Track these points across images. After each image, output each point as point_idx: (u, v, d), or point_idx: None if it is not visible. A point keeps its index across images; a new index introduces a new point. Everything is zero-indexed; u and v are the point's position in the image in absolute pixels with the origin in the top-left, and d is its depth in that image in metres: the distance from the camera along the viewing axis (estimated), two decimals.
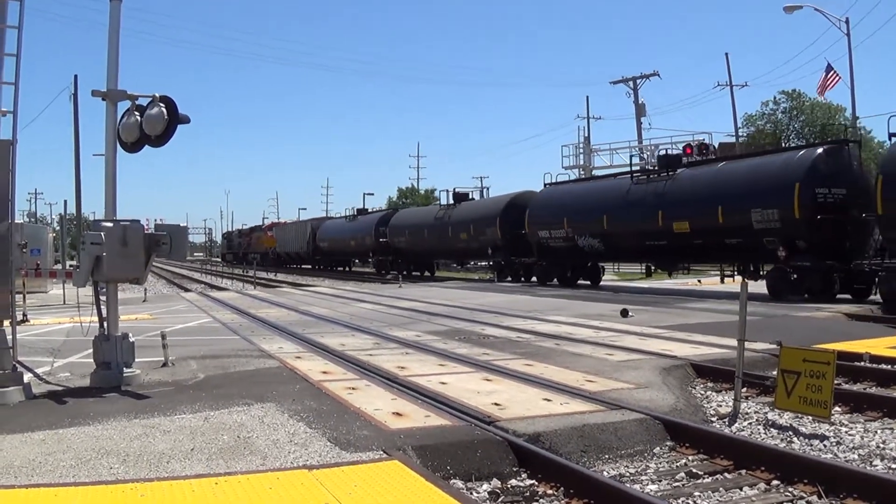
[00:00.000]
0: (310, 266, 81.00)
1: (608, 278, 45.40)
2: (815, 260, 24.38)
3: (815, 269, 24.40)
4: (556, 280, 37.22)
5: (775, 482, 6.70)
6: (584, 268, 37.32)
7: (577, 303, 25.04)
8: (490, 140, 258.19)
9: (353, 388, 10.06)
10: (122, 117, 11.18)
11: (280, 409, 8.81)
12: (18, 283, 13.25)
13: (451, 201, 50.08)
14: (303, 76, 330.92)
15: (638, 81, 61.30)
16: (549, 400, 9.20)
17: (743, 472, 7.06)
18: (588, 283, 37.38)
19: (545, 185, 40.46)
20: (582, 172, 50.39)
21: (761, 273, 28.00)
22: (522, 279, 40.96)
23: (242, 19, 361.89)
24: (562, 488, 6.57)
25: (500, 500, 6.52)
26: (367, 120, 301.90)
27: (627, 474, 7.24)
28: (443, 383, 10.31)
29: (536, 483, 6.85)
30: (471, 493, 6.57)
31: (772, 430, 8.57)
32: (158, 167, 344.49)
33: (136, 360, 10.93)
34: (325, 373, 11.34)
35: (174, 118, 10.88)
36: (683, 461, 7.54)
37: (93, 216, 63.84)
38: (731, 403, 9.43)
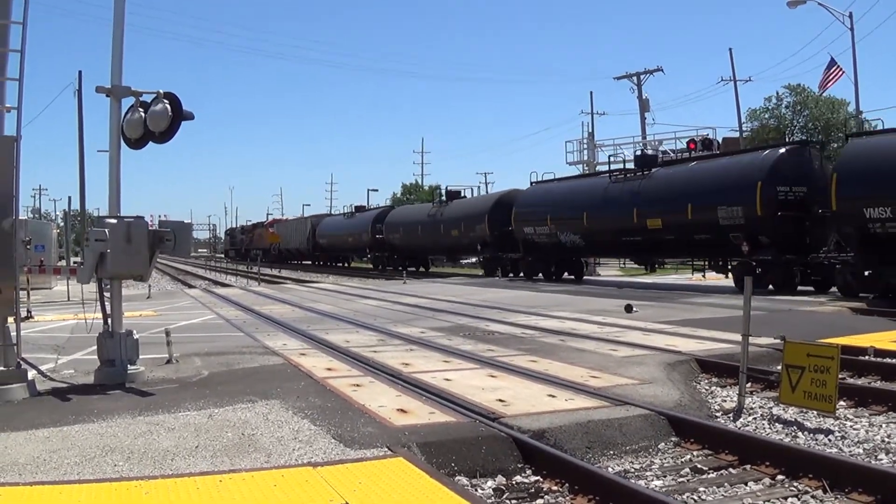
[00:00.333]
0: (310, 262, 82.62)
1: (611, 273, 45.49)
2: (776, 254, 25.79)
3: (776, 262, 25.86)
4: (540, 275, 38.51)
5: (780, 477, 6.70)
6: (569, 263, 38.77)
7: (581, 298, 25.04)
8: (494, 136, 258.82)
9: (358, 385, 10.06)
10: (127, 114, 11.17)
11: (284, 406, 8.81)
12: (22, 280, 13.24)
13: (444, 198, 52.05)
14: (306, 72, 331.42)
15: (642, 77, 61.16)
16: (553, 396, 9.19)
17: (748, 467, 7.06)
18: (572, 277, 38.74)
19: (531, 183, 41.76)
20: (586, 168, 50.31)
21: (728, 267, 29.22)
22: (511, 274, 42.08)
23: (246, 16, 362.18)
24: (567, 484, 6.57)
25: (504, 496, 6.52)
26: (370, 116, 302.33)
27: (632, 470, 7.24)
28: (447, 380, 10.31)
29: (541, 479, 6.85)
30: (476, 490, 6.57)
31: (776, 424, 8.56)
32: (162, 163, 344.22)
33: (141, 356, 10.93)
34: (329, 369, 11.34)
35: (178, 114, 10.87)
36: (688, 457, 7.53)
37: (97, 212, 63.85)
38: (735, 398, 9.43)
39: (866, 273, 22.89)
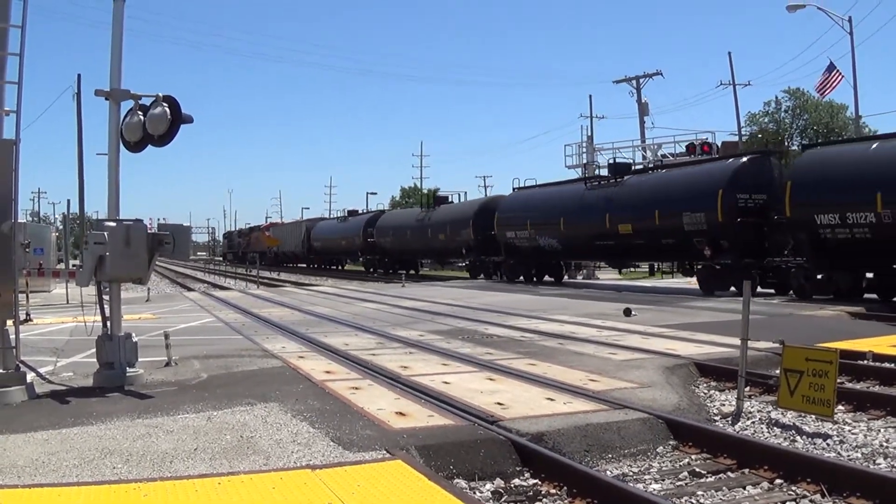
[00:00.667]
0: (305, 265, 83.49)
1: (609, 277, 45.54)
2: (736, 258, 27.15)
3: (735, 266, 26.98)
4: (521, 277, 40.11)
5: (778, 481, 6.70)
6: (549, 266, 40.55)
7: (580, 302, 25.06)
8: (493, 139, 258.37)
9: (357, 388, 10.07)
10: (126, 117, 11.18)
11: (283, 408, 8.82)
12: (21, 283, 13.24)
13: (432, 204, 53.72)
14: (306, 75, 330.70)
15: (641, 81, 61.09)
16: (552, 399, 9.20)
17: (746, 471, 7.06)
18: (552, 280, 40.52)
19: (513, 189, 43.77)
20: (585, 171, 50.24)
21: (694, 270, 30.87)
22: (494, 277, 43.38)
23: (245, 19, 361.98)
24: (565, 488, 6.57)
25: (503, 499, 6.52)
26: (370, 119, 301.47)
27: (631, 474, 7.24)
28: (446, 383, 10.31)
29: (539, 483, 6.85)
30: (474, 493, 6.57)
31: (775, 429, 8.56)
32: (162, 167, 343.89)
33: (140, 359, 10.94)
34: (328, 372, 11.35)
35: (177, 118, 10.88)
36: (686, 460, 7.54)
37: (96, 216, 63.94)
38: (734, 402, 9.43)
39: (819, 276, 24.44)
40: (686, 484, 6.84)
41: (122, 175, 11.08)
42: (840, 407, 9.13)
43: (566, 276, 44.75)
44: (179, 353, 12.65)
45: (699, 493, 6.51)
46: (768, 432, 8.49)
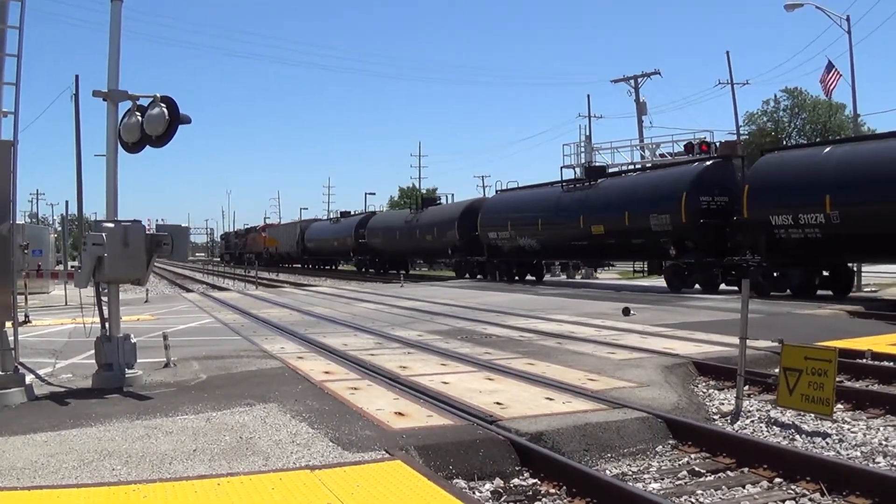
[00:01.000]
0: (299, 265, 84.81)
1: (608, 276, 45.60)
2: (698, 257, 28.89)
3: (698, 264, 29.04)
4: (504, 277, 41.91)
5: (778, 480, 6.71)
6: (530, 265, 42.45)
7: (578, 301, 25.08)
8: (492, 139, 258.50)
9: (356, 389, 10.06)
10: (124, 118, 11.18)
11: (282, 409, 8.81)
12: (20, 284, 13.23)
13: (420, 205, 56.45)
14: (304, 76, 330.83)
15: (639, 80, 61.11)
16: (551, 399, 9.20)
17: (745, 470, 7.07)
18: (533, 279, 42.41)
19: (497, 191, 46.54)
20: (582, 171, 50.20)
21: (662, 268, 32.13)
22: (479, 276, 44.64)
23: (243, 19, 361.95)
24: (564, 487, 6.58)
25: (502, 499, 6.52)
26: (369, 119, 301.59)
27: (630, 473, 7.24)
28: (445, 383, 10.31)
29: (539, 482, 6.85)
30: (473, 493, 6.57)
31: (774, 427, 8.56)
32: (160, 167, 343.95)
33: (138, 360, 10.93)
34: (327, 373, 11.35)
35: (175, 118, 10.87)
36: (686, 459, 7.54)
37: (94, 217, 63.86)
38: (733, 401, 9.43)
39: (775, 274, 25.80)
40: (685, 483, 6.84)
41: (120, 176, 11.09)
42: (839, 406, 9.14)
43: (564, 276, 46.01)
44: (178, 355, 12.64)
45: (698, 492, 6.51)
46: (767, 431, 8.49)
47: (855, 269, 26.62)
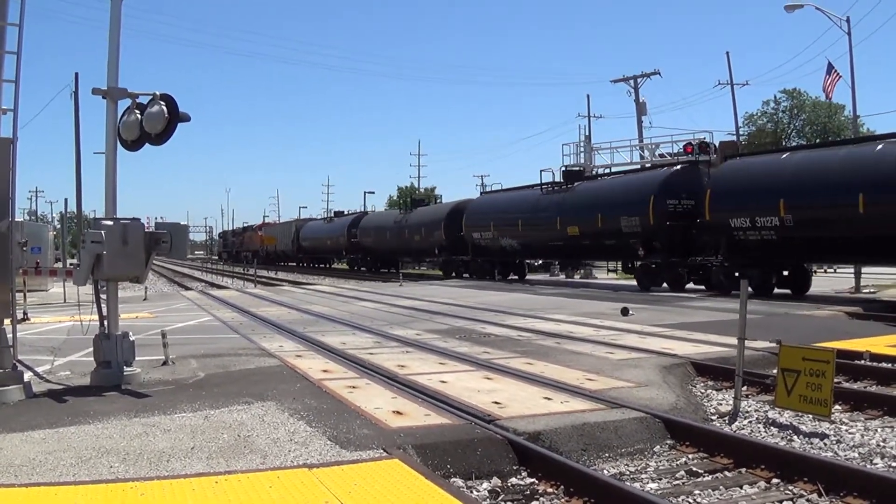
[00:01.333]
0: (294, 264, 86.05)
1: (607, 276, 45.66)
2: (665, 257, 30.57)
3: (665, 264, 30.70)
4: (487, 275, 43.66)
5: (775, 480, 6.71)
6: (512, 264, 44.76)
7: (577, 301, 25.08)
8: (491, 138, 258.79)
9: (354, 387, 10.07)
10: (123, 115, 11.17)
11: (280, 407, 8.82)
12: (19, 282, 13.24)
13: (410, 206, 58.55)
14: (304, 75, 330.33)
15: (639, 80, 61.10)
16: (549, 398, 9.20)
17: (743, 470, 7.07)
18: (516, 277, 44.50)
19: (481, 193, 48.96)
20: (583, 171, 50.17)
21: (632, 268, 34.32)
22: (465, 274, 46.13)
23: (243, 18, 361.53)
24: (562, 487, 6.58)
25: (500, 498, 6.52)
26: (368, 118, 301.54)
27: (627, 473, 7.25)
28: (443, 382, 10.32)
29: (536, 481, 6.85)
30: (471, 492, 6.57)
31: (772, 428, 8.57)
32: (159, 166, 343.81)
33: (137, 358, 10.93)
34: (325, 371, 11.35)
35: (174, 116, 10.86)
36: (683, 459, 7.55)
37: (93, 214, 63.88)
38: (731, 402, 9.43)
39: (736, 274, 26.52)
40: (683, 483, 6.84)
41: (119, 174, 11.10)
42: (837, 406, 9.14)
43: (563, 276, 46.07)
44: (177, 352, 12.64)
45: (696, 492, 6.52)
46: (765, 432, 8.50)
47: (822, 270, 27.80)
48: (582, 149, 53.41)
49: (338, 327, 17.97)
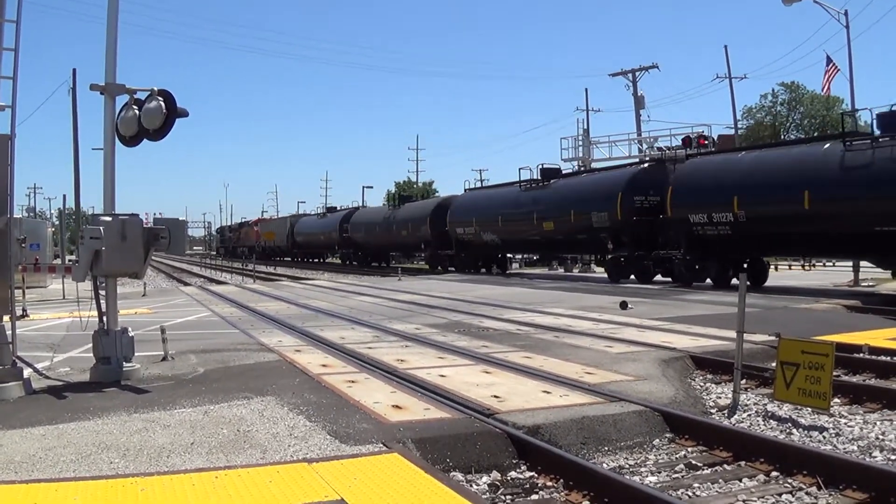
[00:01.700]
0: (289, 259, 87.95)
1: (601, 270, 45.90)
2: (631, 251, 32.33)
3: (631, 258, 32.53)
4: (470, 269, 45.39)
5: (774, 473, 6.71)
6: (494, 258, 46.83)
7: (576, 295, 25.08)
8: (490, 132, 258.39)
9: (353, 382, 10.07)
10: (121, 111, 11.15)
11: (280, 402, 8.82)
12: (18, 279, 13.23)
13: (397, 202, 61.12)
14: (302, 70, 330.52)
15: (637, 74, 61.05)
16: (548, 392, 9.21)
17: (742, 463, 7.08)
18: (499, 271, 46.18)
19: (465, 190, 51.22)
20: (581, 165, 50.16)
21: (603, 261, 36.22)
22: (450, 268, 47.70)
23: (241, 12, 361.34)
24: (561, 480, 6.59)
25: (499, 492, 6.53)
26: (367, 113, 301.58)
27: (627, 466, 7.25)
28: (442, 376, 10.32)
29: (536, 475, 6.86)
30: (470, 486, 6.58)
31: (771, 421, 8.59)
32: (157, 161, 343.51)
33: (136, 354, 10.92)
34: (324, 366, 11.36)
35: (172, 112, 10.84)
36: (683, 453, 7.55)
37: (92, 210, 63.86)
38: (730, 395, 9.44)
39: (696, 267, 28.68)
40: (682, 476, 6.85)
41: (117, 170, 11.08)
42: (836, 400, 9.15)
43: (562, 270, 47.10)
44: (176, 348, 12.64)
45: (695, 485, 6.53)
46: (764, 425, 8.51)
47: (821, 263, 28.97)
48: (580, 143, 53.35)
49: (337, 322, 17.98)
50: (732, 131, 56.09)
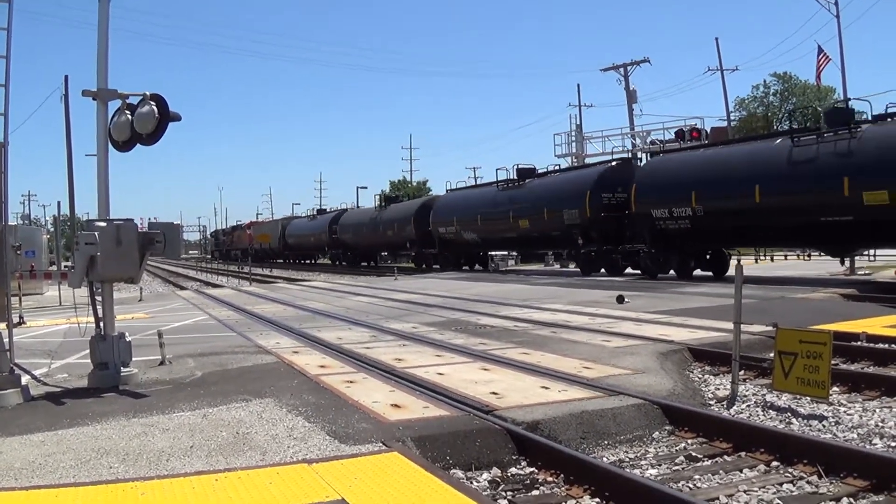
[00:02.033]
0: (281, 260, 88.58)
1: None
2: (601, 246, 34.05)
3: (600, 252, 34.25)
4: (452, 266, 46.91)
5: (775, 463, 6.72)
6: (476, 256, 48.42)
7: (572, 290, 25.08)
8: (484, 130, 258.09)
9: (351, 382, 10.07)
10: (114, 116, 11.13)
11: (278, 404, 8.81)
12: (14, 286, 13.21)
13: (383, 203, 62.30)
14: (294, 70, 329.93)
15: (629, 68, 61.13)
16: (546, 388, 9.21)
17: (742, 454, 7.09)
18: (480, 268, 47.72)
19: (446, 191, 53.58)
20: (574, 160, 50.24)
21: (576, 256, 37.81)
22: (435, 266, 49.16)
23: (232, 15, 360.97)
24: (562, 475, 6.59)
25: (500, 488, 6.53)
26: (360, 113, 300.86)
27: (627, 459, 7.26)
28: (440, 374, 10.32)
29: (536, 471, 6.86)
30: (471, 483, 6.58)
31: (770, 411, 8.60)
32: (151, 166, 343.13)
33: (134, 359, 10.91)
34: (322, 367, 11.35)
35: (165, 116, 10.83)
36: (682, 445, 7.56)
37: (86, 216, 63.80)
38: (728, 386, 9.46)
39: (660, 259, 30.07)
40: (683, 468, 6.86)
41: (111, 175, 11.05)
42: (835, 388, 9.16)
43: (558, 266, 48.66)
44: (173, 352, 12.62)
45: (696, 477, 6.53)
46: (764, 415, 8.52)
47: (818, 254, 29.56)
48: (573, 138, 53.43)
49: (334, 323, 17.97)
50: (725, 123, 56.19)
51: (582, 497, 6.16)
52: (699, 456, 7.14)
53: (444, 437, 7.25)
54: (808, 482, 6.26)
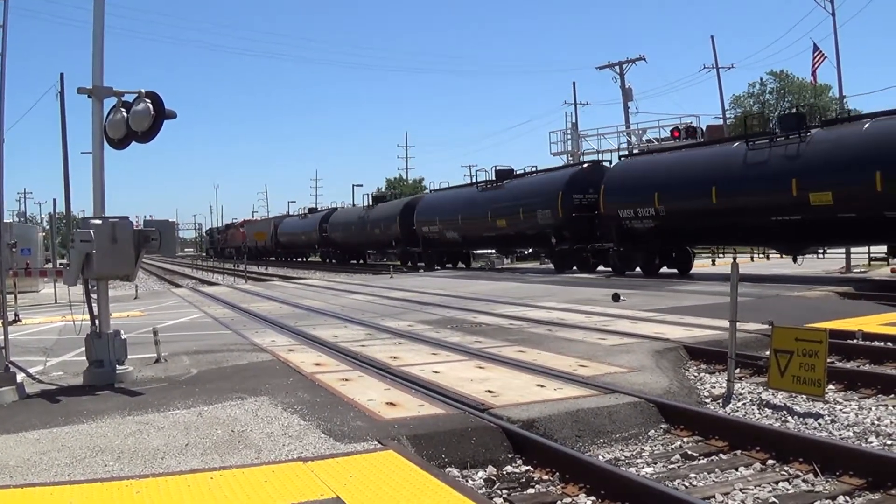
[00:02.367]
0: (274, 258, 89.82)
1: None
2: (571, 244, 35.36)
3: (571, 250, 35.68)
4: (435, 264, 48.55)
5: (771, 462, 6.72)
6: (458, 254, 50.41)
7: (568, 288, 25.08)
8: (480, 128, 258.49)
9: (347, 380, 10.06)
10: (109, 114, 11.11)
11: (273, 402, 8.81)
12: (9, 283, 13.18)
13: (371, 202, 63.33)
14: (290, 69, 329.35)
15: (624, 66, 61.15)
16: (542, 386, 9.20)
17: (738, 452, 7.09)
18: (463, 266, 49.79)
19: (430, 190, 56.60)
20: (570, 158, 50.24)
21: (550, 254, 39.74)
22: (420, 264, 50.26)
23: (227, 13, 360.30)
24: (557, 473, 6.59)
25: (495, 486, 6.53)
26: (356, 111, 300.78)
27: (623, 458, 7.26)
28: (436, 372, 10.31)
29: (532, 469, 6.86)
30: (466, 481, 6.58)
31: (766, 410, 8.60)
32: (147, 164, 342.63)
33: (129, 356, 10.89)
34: (317, 365, 11.34)
35: (160, 113, 10.81)
36: (678, 443, 7.56)
37: (82, 214, 63.67)
38: (724, 384, 9.46)
39: (627, 257, 31.36)
40: (678, 467, 6.86)
41: (107, 173, 11.02)
42: (831, 386, 9.17)
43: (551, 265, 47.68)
44: (169, 350, 12.61)
45: (692, 475, 6.53)
46: (759, 413, 8.52)
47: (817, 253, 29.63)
48: (569, 136, 53.44)
49: (329, 321, 17.95)
50: (721, 121, 56.21)
51: (577, 495, 6.15)
52: (695, 454, 7.14)
53: (440, 436, 7.24)
54: (804, 480, 6.25)
